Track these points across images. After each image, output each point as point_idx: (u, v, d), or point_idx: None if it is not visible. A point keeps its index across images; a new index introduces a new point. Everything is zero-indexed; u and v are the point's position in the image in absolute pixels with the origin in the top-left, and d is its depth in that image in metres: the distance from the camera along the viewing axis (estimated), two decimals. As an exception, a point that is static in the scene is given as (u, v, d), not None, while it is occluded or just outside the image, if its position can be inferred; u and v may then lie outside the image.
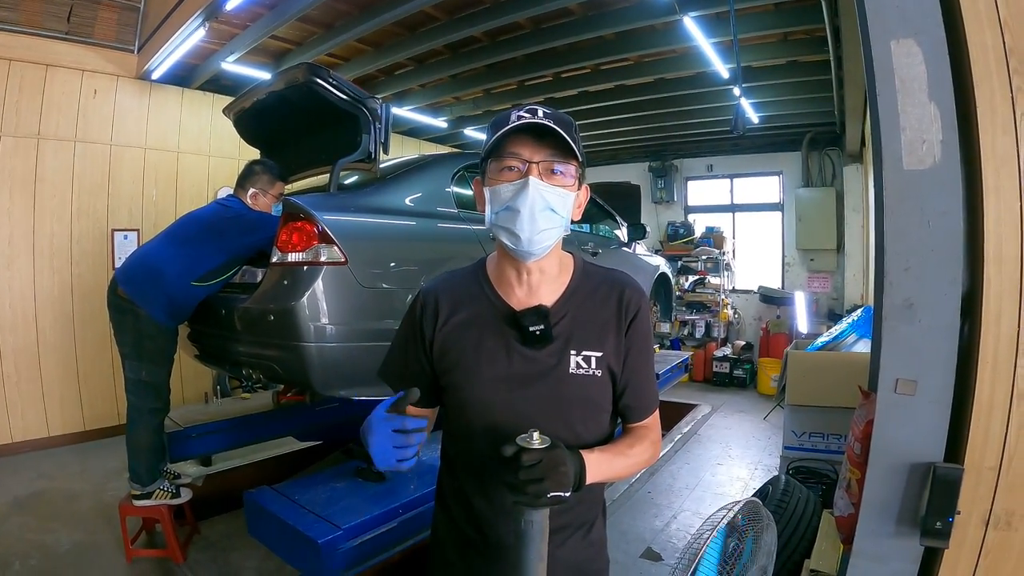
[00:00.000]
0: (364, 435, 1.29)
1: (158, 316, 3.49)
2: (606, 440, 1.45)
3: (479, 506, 1.45)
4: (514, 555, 1.21)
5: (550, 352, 1.39)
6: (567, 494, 1.17)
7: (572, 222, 1.40)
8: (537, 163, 1.30)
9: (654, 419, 1.52)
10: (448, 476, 1.56)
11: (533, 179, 1.29)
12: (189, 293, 3.49)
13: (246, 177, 3.71)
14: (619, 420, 1.52)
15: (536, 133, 1.29)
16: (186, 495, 3.82)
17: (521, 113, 1.30)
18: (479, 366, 1.40)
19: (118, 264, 6.28)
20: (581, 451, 1.27)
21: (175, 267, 3.45)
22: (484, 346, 1.41)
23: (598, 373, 1.40)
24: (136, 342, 3.55)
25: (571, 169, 1.34)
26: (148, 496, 3.66)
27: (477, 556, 1.47)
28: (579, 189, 1.39)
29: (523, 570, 1.19)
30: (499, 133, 1.29)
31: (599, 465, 1.30)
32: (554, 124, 1.28)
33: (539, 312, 1.38)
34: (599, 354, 1.40)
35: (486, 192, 1.37)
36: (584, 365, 1.39)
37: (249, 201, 3.66)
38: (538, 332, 1.37)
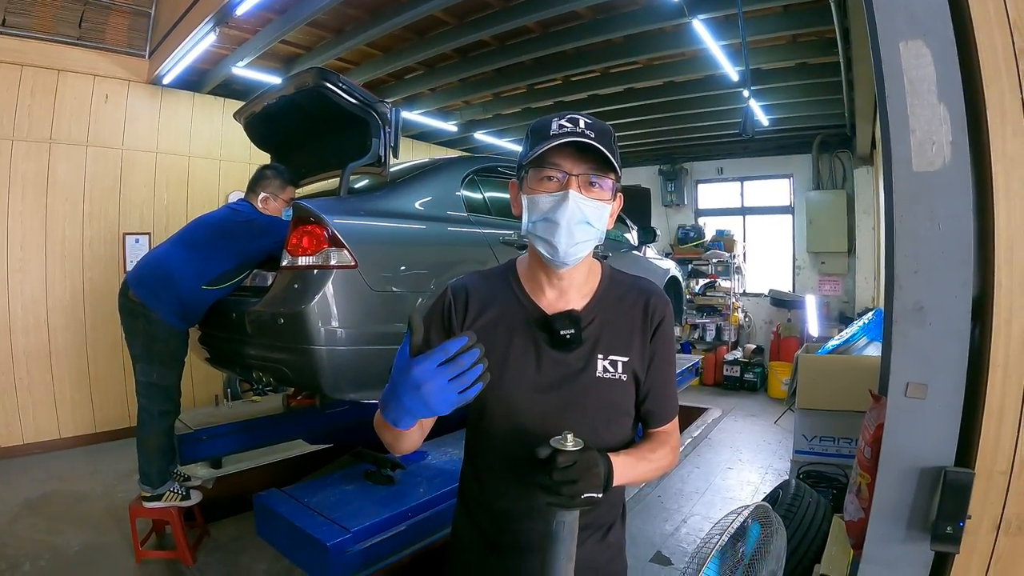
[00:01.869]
0: (394, 396, 1.14)
1: (169, 319, 3.51)
2: (626, 445, 1.45)
3: (502, 507, 1.45)
4: (543, 555, 1.22)
5: (577, 356, 1.40)
6: (599, 495, 1.19)
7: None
8: (577, 176, 1.31)
9: (674, 425, 1.53)
10: (471, 476, 1.56)
11: (573, 192, 1.30)
12: (200, 296, 3.51)
13: (257, 181, 3.73)
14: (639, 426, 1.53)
15: (578, 144, 1.29)
16: (196, 497, 3.83)
17: (563, 123, 1.30)
18: (506, 367, 1.40)
19: (129, 268, 6.33)
20: (608, 454, 1.28)
21: (186, 270, 3.48)
22: (512, 347, 1.41)
23: (624, 378, 1.41)
24: (147, 345, 3.57)
25: (608, 183, 1.34)
26: (158, 498, 3.68)
27: (499, 558, 1.47)
28: (614, 200, 1.39)
29: (552, 570, 1.21)
30: (540, 145, 1.28)
31: (624, 468, 1.31)
32: (596, 137, 1.28)
33: (571, 316, 1.39)
34: (625, 359, 1.41)
35: (523, 200, 1.37)
36: (611, 369, 1.40)
37: (260, 205, 3.68)
38: (568, 336, 1.38)
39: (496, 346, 1.41)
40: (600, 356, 1.40)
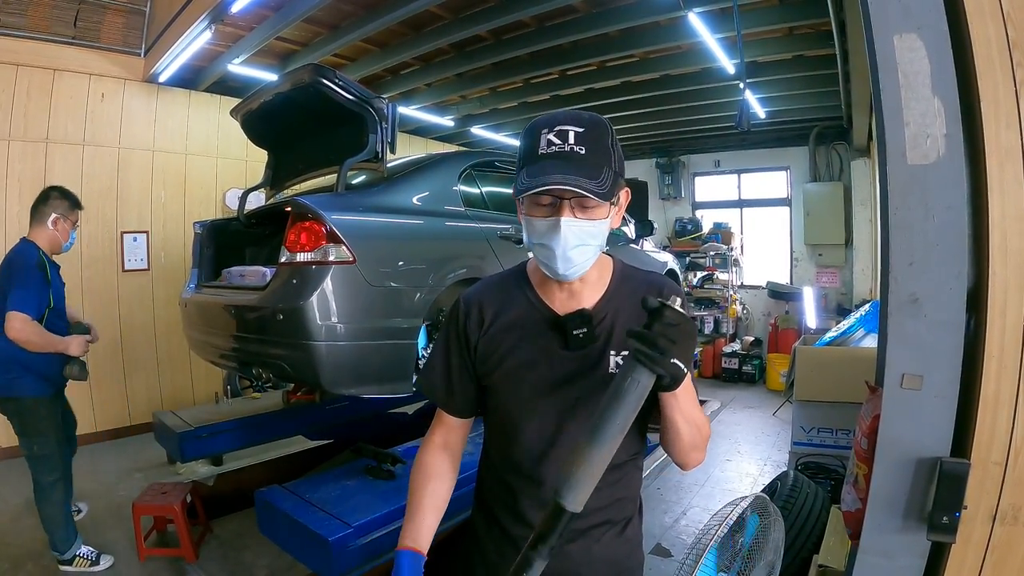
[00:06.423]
0: None
1: (24, 392, 3.53)
2: (636, 450, 1.48)
3: (525, 504, 1.45)
4: (599, 412, 1.14)
5: (590, 354, 1.40)
6: (682, 375, 1.14)
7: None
8: (569, 199, 1.27)
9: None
10: (490, 475, 1.57)
11: (565, 220, 1.26)
12: (26, 354, 3.46)
13: (46, 201, 3.73)
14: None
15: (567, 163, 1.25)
16: (106, 562, 3.79)
17: (551, 138, 1.25)
18: (521, 369, 1.42)
19: (128, 265, 6.37)
20: None
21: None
22: (526, 349, 1.42)
23: None
24: (21, 423, 3.59)
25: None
26: (69, 562, 3.69)
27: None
28: (616, 203, 1.35)
29: (603, 430, 1.13)
30: (529, 168, 1.26)
31: (689, 387, 1.28)
32: (587, 152, 1.24)
33: (582, 316, 1.39)
34: None
35: (522, 218, 1.35)
36: None
37: (50, 226, 3.68)
38: (581, 335, 1.38)
39: (510, 348, 1.43)
40: (612, 353, 1.40)
